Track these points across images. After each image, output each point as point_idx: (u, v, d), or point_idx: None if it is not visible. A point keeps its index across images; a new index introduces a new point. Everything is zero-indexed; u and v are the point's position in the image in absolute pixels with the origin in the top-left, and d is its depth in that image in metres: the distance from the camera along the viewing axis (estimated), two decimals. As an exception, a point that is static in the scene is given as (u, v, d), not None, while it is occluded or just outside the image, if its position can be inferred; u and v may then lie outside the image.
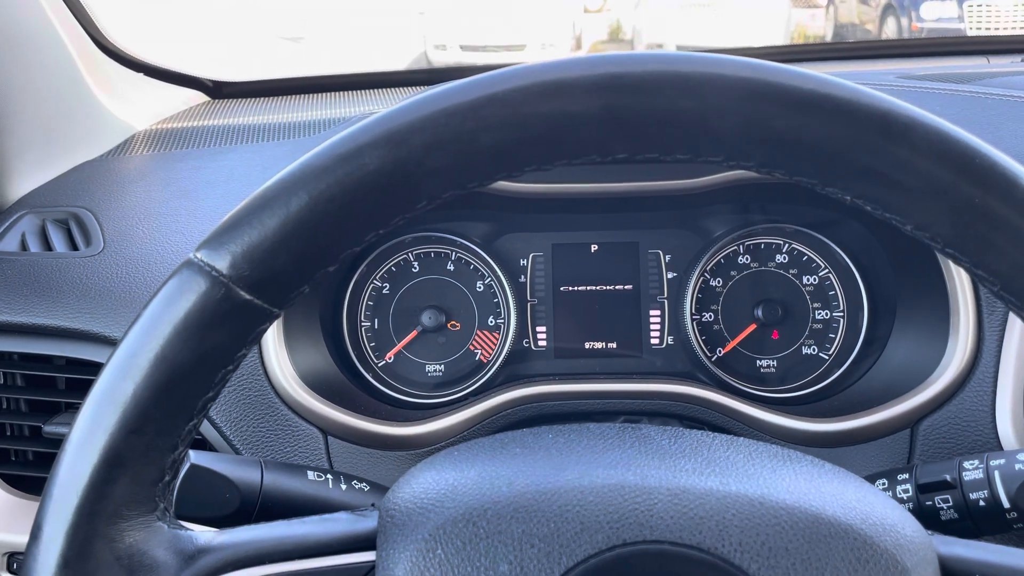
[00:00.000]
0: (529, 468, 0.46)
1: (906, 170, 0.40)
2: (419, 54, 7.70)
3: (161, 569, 0.43)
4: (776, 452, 0.49)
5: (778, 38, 7.87)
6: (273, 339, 0.82)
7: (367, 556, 0.45)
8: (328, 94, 1.36)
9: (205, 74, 1.38)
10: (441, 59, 7.52)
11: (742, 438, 0.50)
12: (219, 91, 1.39)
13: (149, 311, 0.42)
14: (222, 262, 0.41)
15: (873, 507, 0.44)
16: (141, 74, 1.25)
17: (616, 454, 0.47)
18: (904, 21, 6.64)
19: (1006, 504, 0.59)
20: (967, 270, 0.42)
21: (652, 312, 0.98)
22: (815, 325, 0.96)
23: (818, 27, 8.37)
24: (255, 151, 1.06)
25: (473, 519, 0.43)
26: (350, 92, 1.36)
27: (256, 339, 0.43)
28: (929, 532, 0.45)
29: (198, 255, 0.41)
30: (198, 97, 1.37)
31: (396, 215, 0.42)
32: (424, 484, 0.47)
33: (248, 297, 0.41)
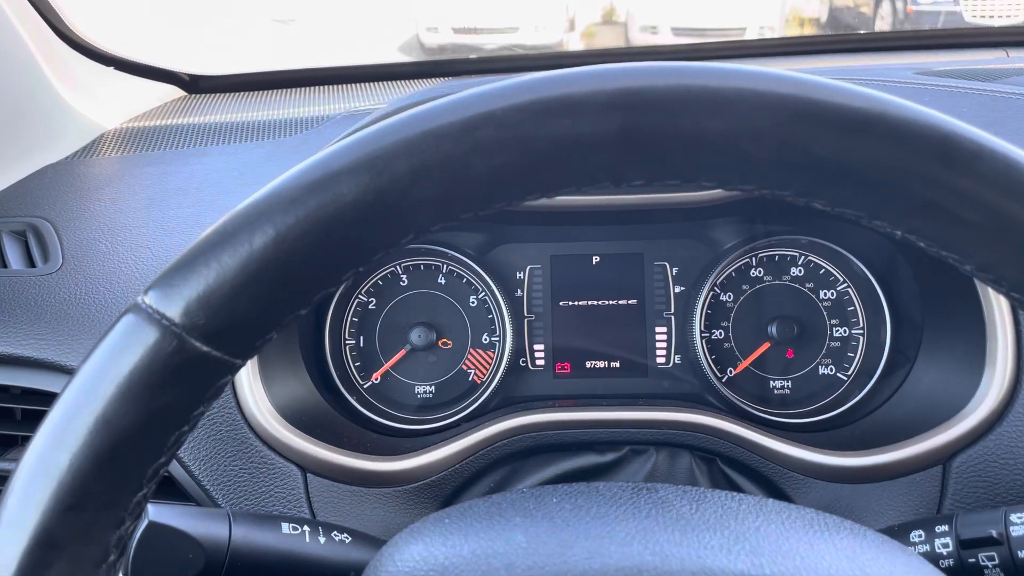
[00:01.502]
0: (531, 545, 0.41)
1: (970, 204, 0.35)
2: (411, 36, 7.62)
3: None
4: (811, 521, 0.44)
5: (773, 20, 7.81)
6: (247, 368, 0.75)
7: None
8: (313, 88, 1.29)
9: (181, 67, 1.30)
10: (433, 41, 7.45)
11: (771, 500, 0.45)
12: (196, 86, 1.31)
13: (89, 366, 0.36)
14: (174, 309, 0.35)
15: None
16: (111, 68, 1.18)
17: (631, 525, 0.42)
18: (899, 3, 6.60)
19: (1060, 565, 0.54)
20: None
21: (658, 329, 0.92)
22: (833, 343, 0.90)
23: (813, 9, 8.32)
24: (231, 153, 0.99)
25: None
26: (336, 87, 1.29)
27: (215, 395, 0.38)
28: None
29: (146, 300, 0.36)
30: (173, 92, 1.30)
31: (377, 251, 0.37)
32: (411, 559, 0.41)
33: (205, 349, 0.36)
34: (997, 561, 0.56)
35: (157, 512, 0.56)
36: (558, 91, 0.35)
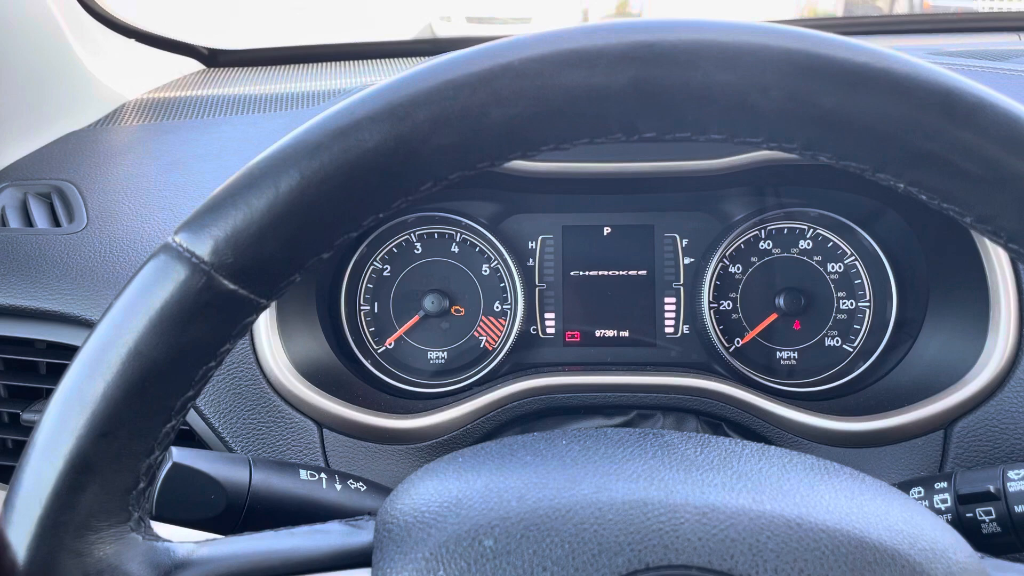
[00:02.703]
0: (541, 480, 0.42)
1: (970, 156, 0.36)
2: (424, 26, 7.63)
3: None
4: (812, 464, 0.45)
5: (788, 14, 7.79)
6: (265, 325, 0.78)
7: (361, 573, 0.42)
8: (328, 64, 1.31)
9: (200, 41, 1.32)
10: (446, 31, 7.46)
11: (774, 447, 0.47)
12: (214, 59, 1.34)
13: (122, 301, 0.38)
14: (203, 247, 0.37)
15: (922, 529, 0.40)
16: (132, 40, 1.20)
17: (637, 465, 0.43)
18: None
19: (1056, 519, 0.55)
20: None
21: (667, 299, 0.94)
22: (839, 315, 0.91)
23: (828, 5, 8.28)
24: (250, 123, 1.01)
25: (479, 537, 0.39)
26: (351, 62, 1.31)
27: (241, 333, 0.40)
28: (980, 555, 0.42)
29: (177, 239, 0.38)
30: (193, 65, 1.32)
31: (397, 197, 0.39)
32: (425, 495, 0.43)
33: (232, 287, 0.38)
34: (994, 516, 0.58)
35: (181, 455, 0.58)
36: (574, 43, 0.37)
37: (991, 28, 1.34)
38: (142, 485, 0.40)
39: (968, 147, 0.36)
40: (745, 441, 0.47)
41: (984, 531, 0.58)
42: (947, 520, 0.59)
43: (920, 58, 0.37)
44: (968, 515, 0.59)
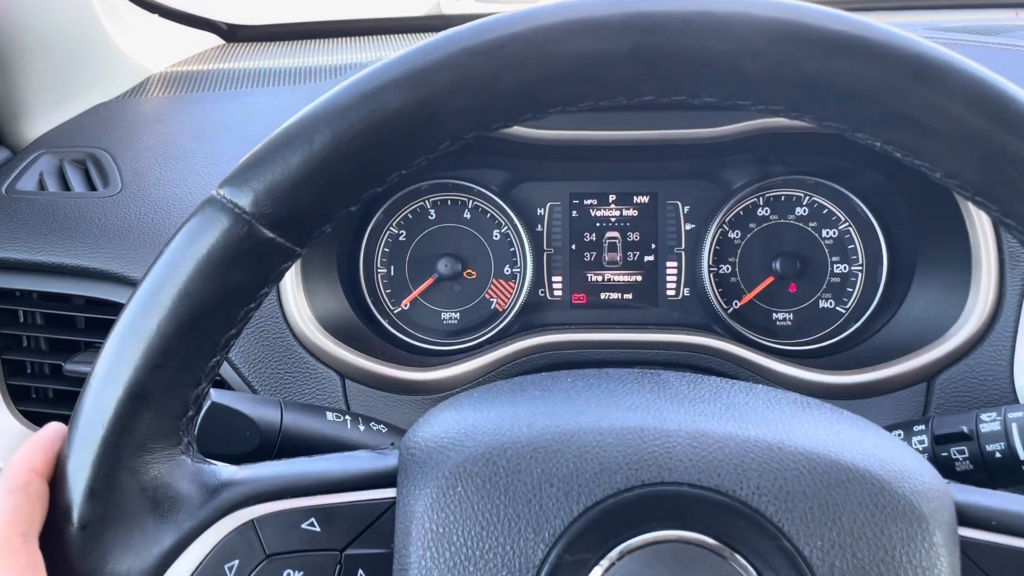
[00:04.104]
0: (549, 410, 0.46)
1: (938, 116, 0.39)
2: (432, 4, 7.57)
3: (185, 501, 0.44)
4: (795, 399, 0.49)
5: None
6: (292, 283, 0.82)
7: (388, 493, 0.46)
8: (341, 39, 1.35)
9: (220, 17, 1.36)
10: (453, 8, 7.40)
11: (761, 385, 0.51)
12: (233, 34, 1.37)
13: (172, 247, 0.42)
14: (245, 199, 0.41)
15: (892, 454, 0.44)
16: (155, 16, 1.24)
17: (635, 398, 0.48)
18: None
19: (1023, 456, 0.60)
20: (996, 219, 0.42)
21: (669, 263, 0.98)
22: (833, 279, 0.96)
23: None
24: (271, 94, 1.05)
25: (493, 458, 0.43)
26: (363, 37, 1.35)
27: (278, 277, 0.43)
28: (947, 481, 0.45)
29: (221, 192, 0.41)
30: (212, 40, 1.36)
31: (419, 155, 0.42)
32: (444, 424, 0.47)
33: (271, 235, 0.41)
34: (967, 455, 0.62)
35: (219, 395, 0.63)
36: (580, 14, 0.40)
37: (990, 5, 1.36)
38: (191, 413, 0.44)
39: (936, 108, 0.39)
40: (735, 380, 0.51)
41: (958, 469, 0.62)
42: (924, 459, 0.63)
43: (914, 32, 0.40)
44: (943, 454, 0.63)
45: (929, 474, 0.44)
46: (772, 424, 0.45)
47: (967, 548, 0.43)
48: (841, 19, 0.39)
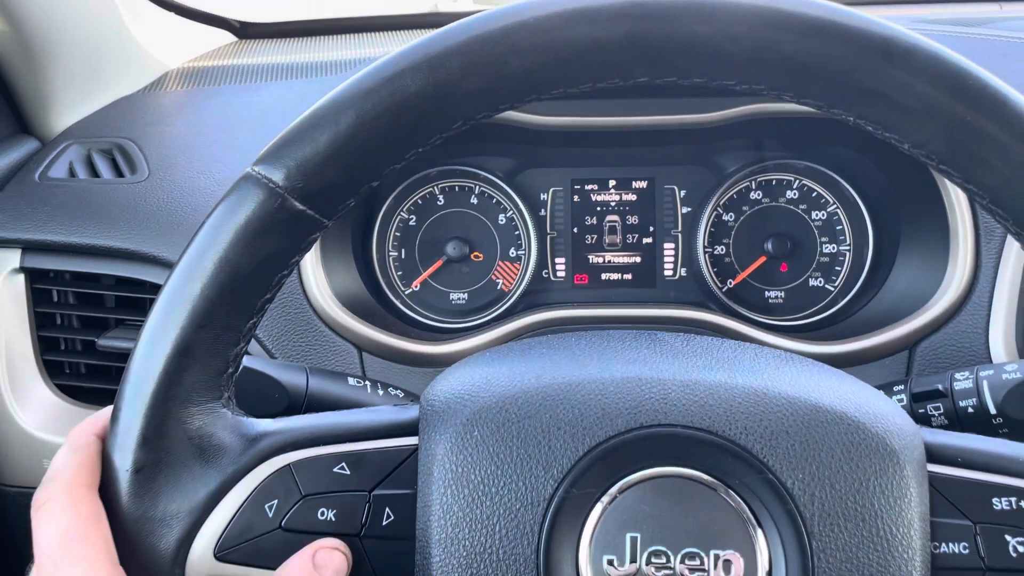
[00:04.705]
0: (555, 364, 0.50)
1: (904, 91, 0.42)
2: (431, 4, 7.58)
3: (227, 449, 0.47)
4: (779, 354, 0.53)
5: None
6: (311, 263, 0.87)
7: (410, 440, 0.49)
8: (349, 35, 1.38)
9: (232, 15, 1.40)
10: (451, 8, 7.39)
11: (748, 343, 0.54)
12: (245, 31, 1.41)
13: (213, 219, 0.45)
14: (278, 175, 0.44)
15: (867, 399, 0.49)
16: (172, 13, 1.28)
17: (633, 353, 0.52)
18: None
19: (992, 411, 0.64)
20: (959, 186, 0.45)
21: (666, 245, 1.02)
22: (822, 258, 1.00)
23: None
24: (285, 88, 1.10)
25: (506, 406, 0.47)
26: (369, 34, 1.39)
27: (308, 247, 0.47)
28: (917, 425, 0.49)
29: (256, 169, 0.45)
30: (225, 37, 1.40)
31: (434, 134, 0.45)
32: (460, 378, 0.51)
33: (301, 207, 0.44)
34: (942, 411, 0.66)
35: (249, 361, 0.67)
36: (580, 3, 0.43)
37: None
38: (231, 370, 0.48)
39: (903, 84, 0.42)
40: (726, 339, 0.55)
41: (934, 424, 0.66)
42: None
43: (894, 23, 0.44)
44: (920, 411, 0.67)
45: (901, 417, 0.48)
46: (759, 373, 0.49)
47: (934, 481, 0.46)
48: (816, 5, 0.43)
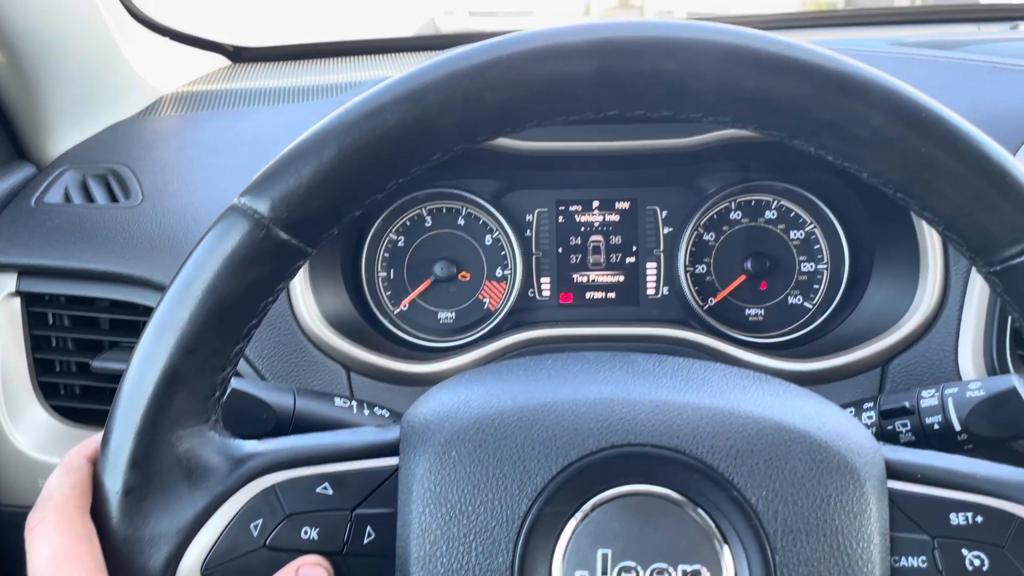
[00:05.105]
0: (531, 386, 0.52)
1: (860, 124, 0.44)
2: (427, 20, 7.63)
3: (214, 470, 0.49)
4: (747, 374, 0.55)
5: (792, 4, 7.76)
6: (300, 284, 0.89)
7: (391, 461, 0.51)
8: (342, 59, 1.40)
9: (225, 39, 1.43)
10: (449, 25, 7.45)
11: (719, 364, 0.56)
12: (239, 56, 1.43)
13: (200, 249, 0.47)
14: (263, 206, 0.45)
15: (829, 418, 0.50)
16: (166, 39, 1.30)
17: (606, 374, 0.53)
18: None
19: (957, 427, 0.65)
20: (916, 212, 0.47)
21: (649, 264, 1.05)
22: (801, 277, 1.02)
23: (831, -5, 8.26)
24: (279, 112, 1.12)
25: (482, 427, 0.49)
26: (364, 57, 1.41)
27: (292, 274, 0.49)
28: (880, 443, 0.51)
29: (242, 200, 0.46)
30: (219, 61, 1.42)
31: (414, 165, 0.46)
32: (439, 400, 0.53)
33: (286, 237, 0.46)
34: (909, 428, 0.68)
35: (238, 383, 0.68)
36: (551, 41, 0.44)
37: (953, 19, 1.41)
38: (218, 394, 0.49)
39: (859, 117, 0.43)
40: (697, 360, 0.56)
41: (902, 440, 0.68)
42: (872, 432, 0.69)
43: (871, 48, 0.45)
44: (889, 428, 0.69)
45: (862, 435, 0.50)
46: (725, 394, 0.51)
47: (894, 497, 0.48)
48: (776, 42, 0.45)
